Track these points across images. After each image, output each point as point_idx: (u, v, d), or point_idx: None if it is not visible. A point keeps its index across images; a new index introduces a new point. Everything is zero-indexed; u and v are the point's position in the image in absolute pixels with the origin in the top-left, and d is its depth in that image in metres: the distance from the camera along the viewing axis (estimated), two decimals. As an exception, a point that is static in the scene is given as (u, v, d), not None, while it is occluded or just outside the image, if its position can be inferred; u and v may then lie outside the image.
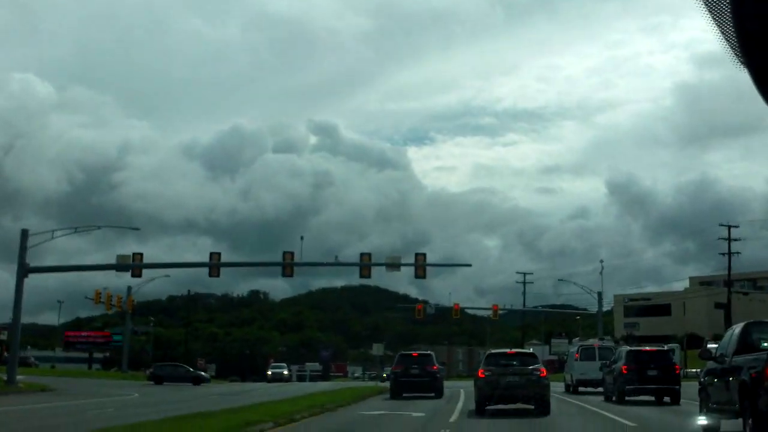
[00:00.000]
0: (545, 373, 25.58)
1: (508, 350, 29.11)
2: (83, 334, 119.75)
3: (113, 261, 52.48)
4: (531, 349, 34.47)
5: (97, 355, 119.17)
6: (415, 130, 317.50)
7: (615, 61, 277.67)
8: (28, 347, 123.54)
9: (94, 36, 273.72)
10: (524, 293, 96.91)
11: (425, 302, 78.90)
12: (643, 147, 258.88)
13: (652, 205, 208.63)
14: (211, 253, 45.43)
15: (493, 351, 28.77)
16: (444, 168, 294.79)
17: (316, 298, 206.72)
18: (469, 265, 58.74)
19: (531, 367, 25.59)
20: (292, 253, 42.24)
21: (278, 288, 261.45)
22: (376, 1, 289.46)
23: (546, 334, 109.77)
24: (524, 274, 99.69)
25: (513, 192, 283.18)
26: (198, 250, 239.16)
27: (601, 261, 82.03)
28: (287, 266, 41.68)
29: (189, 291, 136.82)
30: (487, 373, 25.51)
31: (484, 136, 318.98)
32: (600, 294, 75.90)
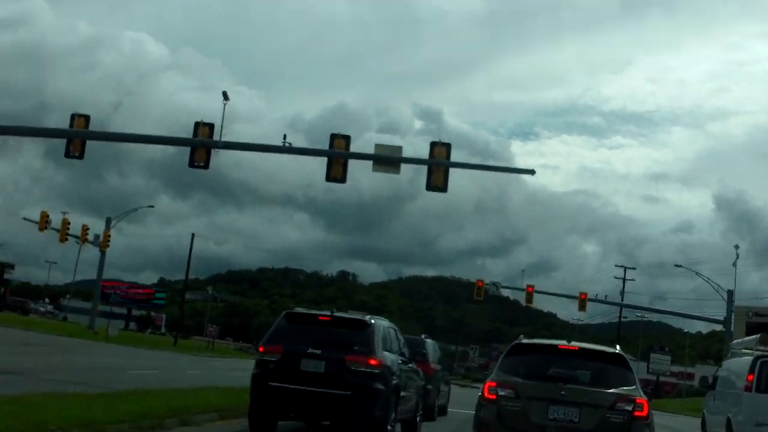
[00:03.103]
0: (646, 411, 10.89)
1: (560, 343, 11.90)
2: (121, 286, 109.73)
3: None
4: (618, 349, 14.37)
5: (137, 312, 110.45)
6: (521, 124, 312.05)
7: (732, 66, 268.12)
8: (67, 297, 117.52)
9: (208, 1, 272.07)
10: (623, 290, 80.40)
11: (492, 283, 63.07)
12: (756, 162, 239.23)
13: (761, 225, 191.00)
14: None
15: (528, 341, 12.27)
16: (548, 166, 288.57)
17: (406, 286, 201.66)
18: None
19: (611, 391, 10.99)
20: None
21: (370, 271, 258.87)
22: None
23: (643, 350, 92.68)
24: (624, 268, 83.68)
25: (615, 197, 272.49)
26: (295, 224, 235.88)
27: (736, 247, 63.11)
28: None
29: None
30: (504, 394, 11.14)
31: (591, 137, 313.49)
32: (731, 293, 58.59)
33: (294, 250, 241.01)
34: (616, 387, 10.98)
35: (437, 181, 28.15)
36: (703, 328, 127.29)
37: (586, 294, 61.58)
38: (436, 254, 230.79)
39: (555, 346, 11.73)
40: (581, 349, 11.65)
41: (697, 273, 62.96)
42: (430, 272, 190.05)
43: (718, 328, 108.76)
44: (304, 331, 13.95)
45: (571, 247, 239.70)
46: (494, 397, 11.09)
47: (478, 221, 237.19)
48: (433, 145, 28.34)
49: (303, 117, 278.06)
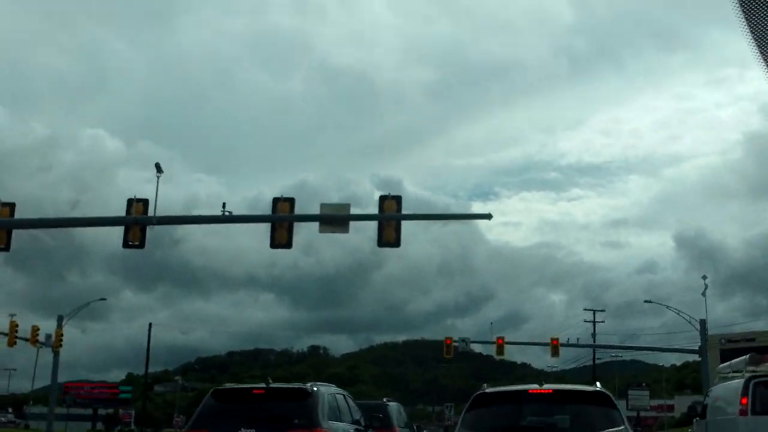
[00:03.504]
0: None
1: (530, 387, 10.20)
2: (85, 387, 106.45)
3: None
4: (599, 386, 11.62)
5: (103, 411, 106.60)
6: (480, 185, 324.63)
7: (681, 114, 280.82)
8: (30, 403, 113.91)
9: (162, 91, 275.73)
10: (594, 332, 79.29)
11: (461, 339, 61.21)
12: (712, 200, 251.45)
13: (722, 259, 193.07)
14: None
15: (493, 390, 10.52)
16: (509, 223, 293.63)
17: (378, 354, 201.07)
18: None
19: None
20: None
21: (340, 343, 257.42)
22: (440, 52, 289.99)
23: (620, 388, 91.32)
24: (594, 311, 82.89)
25: (578, 246, 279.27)
26: (261, 305, 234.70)
27: (704, 277, 62.07)
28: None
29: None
30: None
31: (549, 191, 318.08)
32: (703, 322, 57.29)
33: (262, 330, 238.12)
34: (602, 430, 9.35)
35: (389, 237, 26.66)
36: (676, 360, 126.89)
37: (557, 339, 60.03)
38: (405, 319, 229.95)
39: (524, 392, 10.07)
40: (556, 392, 10.00)
41: (667, 306, 61.95)
42: (400, 337, 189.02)
43: (691, 359, 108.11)
44: (236, 410, 12.14)
45: (538, 298, 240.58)
46: None
47: (443, 282, 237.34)
48: (383, 199, 26.94)
49: (264, 197, 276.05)
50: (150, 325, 75.76)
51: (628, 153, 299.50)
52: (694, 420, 21.15)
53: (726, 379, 19.39)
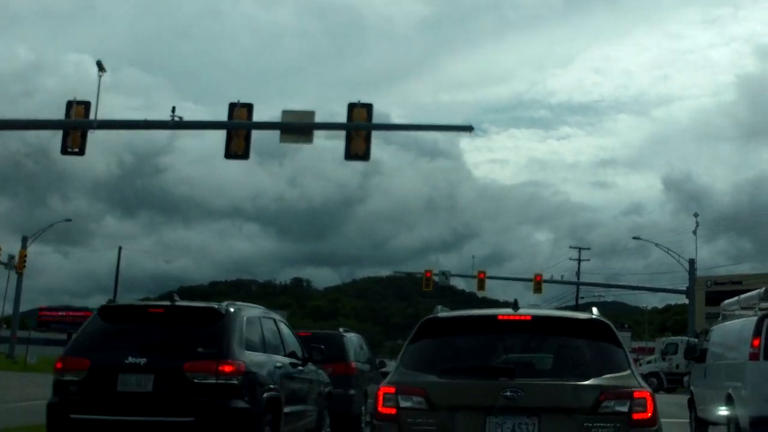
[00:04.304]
0: (651, 411, 6.43)
1: (500, 313, 7.15)
2: (60, 312, 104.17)
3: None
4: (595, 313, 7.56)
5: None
6: (468, 121, 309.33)
7: (673, 54, 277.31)
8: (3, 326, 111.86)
9: (149, 19, 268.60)
10: (579, 271, 77.19)
11: (441, 272, 58.83)
12: (701, 143, 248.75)
13: (709, 203, 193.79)
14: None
15: (448, 314, 7.49)
16: (497, 160, 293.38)
17: (360, 287, 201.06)
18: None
19: (590, 382, 6.52)
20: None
21: (324, 276, 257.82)
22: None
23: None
24: (579, 248, 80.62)
25: (565, 186, 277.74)
26: (245, 235, 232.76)
27: (696, 215, 59.48)
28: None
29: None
30: (409, 406, 6.64)
31: (538, 129, 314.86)
32: (692, 261, 54.94)
33: (246, 261, 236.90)
34: (598, 375, 6.64)
35: (357, 148, 23.77)
36: (658, 303, 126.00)
37: (541, 275, 57.74)
38: (389, 254, 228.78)
39: (492, 318, 7.25)
40: (537, 319, 7.15)
41: (656, 244, 59.58)
42: (384, 272, 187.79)
43: (673, 301, 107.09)
44: (126, 333, 9.44)
45: (523, 236, 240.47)
46: (393, 411, 6.65)
47: (429, 219, 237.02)
48: (352, 106, 23.88)
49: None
50: (120, 248, 73.33)
51: (618, 92, 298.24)
52: (694, 365, 18.54)
53: (732, 317, 16.75)
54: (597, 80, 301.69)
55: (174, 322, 9.48)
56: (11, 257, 62.10)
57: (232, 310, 9.65)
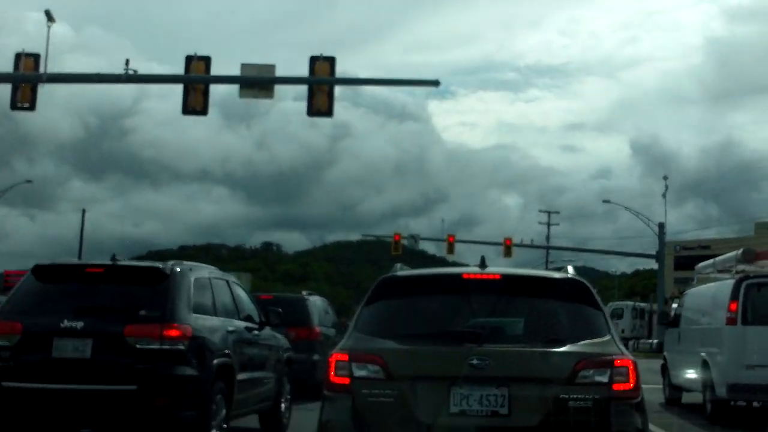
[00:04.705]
0: (634, 381, 5.79)
1: (465, 271, 6.52)
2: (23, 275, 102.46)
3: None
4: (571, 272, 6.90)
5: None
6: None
7: (642, 16, 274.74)
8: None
9: None
10: (548, 235, 77.24)
11: (411, 236, 58.20)
12: (669, 106, 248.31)
13: (676, 167, 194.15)
14: None
15: (408, 273, 6.78)
16: (466, 123, 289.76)
17: (330, 252, 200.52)
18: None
19: (566, 349, 5.87)
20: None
21: (293, 241, 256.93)
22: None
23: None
24: (549, 212, 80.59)
25: (534, 150, 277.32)
26: (214, 199, 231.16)
27: (665, 178, 58.92)
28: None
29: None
30: (364, 375, 5.92)
31: (507, 92, 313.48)
32: (662, 225, 54.67)
33: (215, 225, 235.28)
34: (575, 341, 5.96)
35: (320, 104, 22.86)
36: (627, 268, 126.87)
37: (510, 239, 57.27)
38: (358, 218, 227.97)
39: (456, 277, 6.53)
40: (506, 279, 6.41)
41: (626, 208, 59.13)
42: (353, 236, 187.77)
43: (642, 266, 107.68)
44: (63, 295, 8.66)
45: (492, 201, 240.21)
46: (346, 381, 5.94)
47: (398, 183, 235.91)
48: (314, 60, 22.89)
49: (217, 89, 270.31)
50: (83, 211, 71.30)
51: (586, 55, 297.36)
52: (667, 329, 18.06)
53: (707, 280, 16.27)
54: (565, 42, 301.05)
55: (115, 283, 8.71)
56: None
57: (178, 269, 8.87)
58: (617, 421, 5.64)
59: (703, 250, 78.10)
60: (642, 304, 72.74)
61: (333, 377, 5.96)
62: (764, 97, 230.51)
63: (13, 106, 23.12)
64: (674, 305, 50.71)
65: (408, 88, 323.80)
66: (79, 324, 8.16)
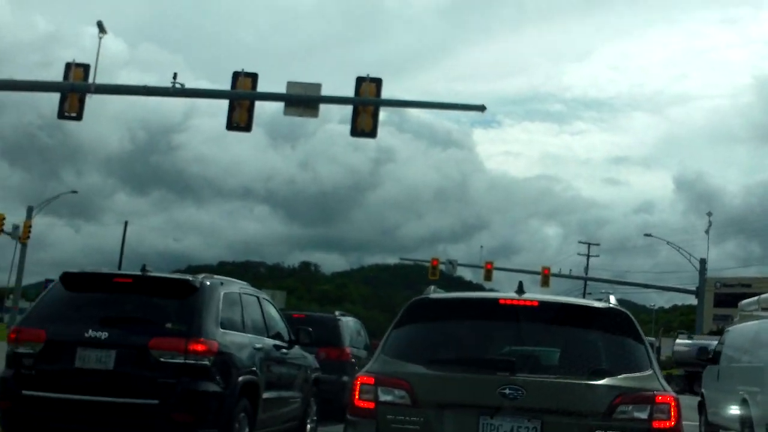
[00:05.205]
0: (675, 418, 5.57)
1: (502, 296, 6.31)
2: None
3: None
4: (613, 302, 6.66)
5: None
6: (483, 112, 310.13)
7: (692, 53, 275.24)
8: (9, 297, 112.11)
9: None
10: (587, 266, 76.27)
11: (449, 261, 57.84)
12: (715, 144, 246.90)
13: (720, 204, 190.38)
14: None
15: (441, 296, 6.61)
16: (510, 153, 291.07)
17: (368, 274, 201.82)
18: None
19: (605, 382, 5.65)
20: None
21: (332, 262, 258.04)
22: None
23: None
24: (588, 244, 79.69)
25: (577, 181, 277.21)
26: (255, 217, 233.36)
27: (709, 214, 58.21)
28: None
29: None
30: (390, 400, 5.76)
31: (552, 123, 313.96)
32: (703, 261, 53.81)
33: (254, 243, 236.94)
34: (614, 374, 5.75)
35: (364, 125, 22.86)
36: (665, 303, 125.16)
37: (549, 269, 56.66)
38: (397, 242, 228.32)
39: (492, 302, 6.35)
40: (544, 306, 6.26)
41: (668, 242, 58.36)
42: (391, 260, 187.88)
43: (680, 302, 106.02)
44: (89, 304, 8.58)
45: (533, 230, 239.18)
46: (371, 405, 5.76)
47: (438, 208, 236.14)
48: (360, 81, 22.94)
49: (265, 109, 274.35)
50: (126, 223, 72.32)
51: (634, 90, 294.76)
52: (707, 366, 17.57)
53: (750, 317, 15.81)
54: (613, 77, 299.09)
55: (143, 294, 8.63)
56: (15, 227, 61.57)
57: (208, 283, 8.78)
58: None
59: (744, 288, 76.51)
60: (651, 339, 72.27)
61: (357, 401, 5.80)
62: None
63: (61, 115, 23.46)
64: (680, 340, 49.56)
65: (454, 115, 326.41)
66: (104, 334, 8.09)
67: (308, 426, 11.32)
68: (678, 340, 48.62)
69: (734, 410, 14.34)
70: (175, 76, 23.09)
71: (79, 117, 23.43)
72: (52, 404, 8.03)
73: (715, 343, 47.68)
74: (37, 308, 8.73)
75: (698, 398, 17.76)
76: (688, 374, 44.02)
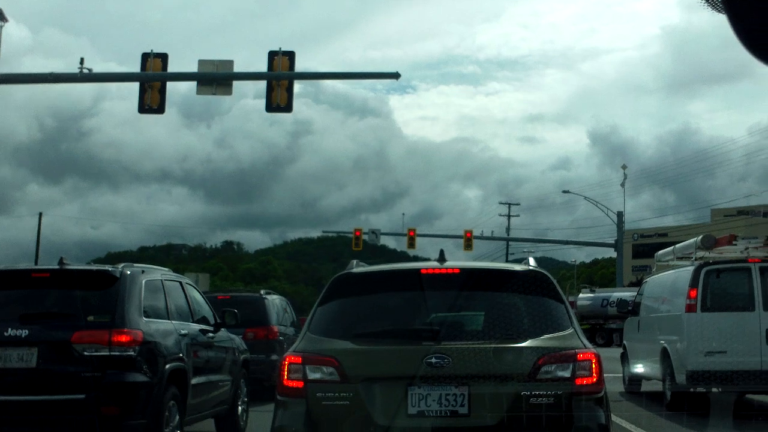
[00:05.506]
0: (597, 375, 5.68)
1: (422, 266, 6.36)
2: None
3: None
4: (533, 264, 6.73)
5: None
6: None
7: (600, 7, 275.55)
8: None
9: None
10: (509, 227, 77.70)
11: (371, 231, 58.00)
12: (627, 96, 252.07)
13: (634, 156, 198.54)
14: None
15: (364, 270, 6.61)
16: (426, 117, 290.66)
17: (291, 249, 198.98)
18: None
19: (527, 344, 5.72)
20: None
21: (254, 239, 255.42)
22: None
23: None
24: (509, 204, 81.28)
25: (494, 142, 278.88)
26: (174, 199, 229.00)
27: (624, 167, 59.77)
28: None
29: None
30: (318, 378, 5.71)
31: (468, 85, 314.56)
32: (620, 214, 55.34)
33: (175, 225, 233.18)
34: (536, 335, 5.82)
35: (279, 99, 22.60)
36: (585, 257, 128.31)
37: (471, 232, 57.41)
38: (319, 215, 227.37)
39: (414, 272, 6.32)
40: (465, 272, 6.29)
41: (585, 197, 59.81)
42: (314, 233, 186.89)
43: (600, 255, 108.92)
44: (7, 302, 8.39)
45: (453, 194, 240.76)
46: (300, 384, 5.73)
47: (359, 178, 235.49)
48: (272, 55, 22.60)
49: (177, 89, 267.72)
50: (40, 214, 70.30)
51: (546, 47, 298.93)
52: (628, 318, 18.08)
53: (667, 268, 16.31)
54: (524, 35, 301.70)
55: (62, 288, 8.42)
56: None
57: (128, 272, 8.59)
58: (580, 416, 5.53)
59: (661, 238, 78.97)
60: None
61: (286, 381, 5.76)
62: (720, 86, 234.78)
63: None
64: (582, 294, 50.93)
65: (369, 84, 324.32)
66: (24, 332, 7.87)
67: (239, 408, 11.25)
68: (581, 294, 49.92)
69: (655, 359, 14.79)
70: (82, 61, 22.44)
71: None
72: None
73: (617, 294, 49.11)
74: None
75: (620, 350, 18.29)
76: (591, 327, 45.33)
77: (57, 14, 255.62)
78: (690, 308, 13.46)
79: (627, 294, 49.63)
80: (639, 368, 16.33)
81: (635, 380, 16.89)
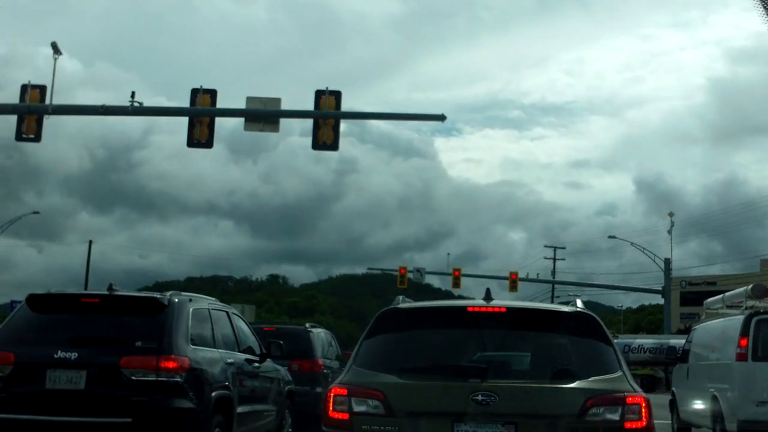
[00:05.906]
0: (646, 419, 5.62)
1: (470, 304, 6.33)
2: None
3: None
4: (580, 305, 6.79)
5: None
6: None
7: (645, 56, 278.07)
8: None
9: (121, 14, 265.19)
10: (554, 269, 76.92)
11: (416, 269, 57.88)
12: (673, 144, 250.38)
13: (680, 204, 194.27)
14: None
15: (410, 305, 6.63)
16: (471, 160, 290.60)
17: (336, 284, 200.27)
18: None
19: (576, 385, 5.70)
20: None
21: (299, 274, 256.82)
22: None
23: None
24: (555, 247, 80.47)
25: (539, 186, 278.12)
26: (220, 232, 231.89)
27: (671, 215, 59.08)
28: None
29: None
30: (364, 410, 5.76)
31: (512, 129, 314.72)
32: (668, 261, 54.60)
33: (221, 257, 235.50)
34: (584, 377, 5.79)
35: (325, 137, 22.85)
36: (632, 303, 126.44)
37: (516, 274, 56.99)
38: (364, 252, 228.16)
39: (461, 310, 6.35)
40: (512, 312, 6.27)
41: (632, 243, 58.97)
42: (359, 270, 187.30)
43: (647, 302, 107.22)
44: (58, 325, 8.53)
45: (498, 236, 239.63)
46: (345, 416, 5.77)
47: (403, 217, 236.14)
48: (319, 94, 22.95)
49: (225, 125, 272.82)
50: (90, 242, 71.62)
51: (591, 94, 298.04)
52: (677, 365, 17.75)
53: (716, 316, 16.03)
54: (570, 82, 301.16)
55: (111, 314, 8.56)
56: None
57: (176, 300, 8.72)
58: None
59: (709, 286, 77.57)
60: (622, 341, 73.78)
61: (331, 412, 5.79)
62: (766, 138, 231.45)
63: (18, 137, 23.17)
64: (624, 339, 50.53)
65: (414, 125, 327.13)
66: (74, 355, 8.01)
67: (283, 437, 11.26)
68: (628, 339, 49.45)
69: (705, 407, 14.51)
70: (133, 94, 22.97)
71: (37, 139, 23.17)
72: (24, 427, 7.94)
73: (639, 340, 49.03)
74: (4, 331, 8.62)
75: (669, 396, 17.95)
76: None
77: (109, 49, 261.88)
78: (741, 357, 13.23)
79: (649, 341, 49.07)
80: (688, 415, 16.02)
81: (684, 428, 16.55)
